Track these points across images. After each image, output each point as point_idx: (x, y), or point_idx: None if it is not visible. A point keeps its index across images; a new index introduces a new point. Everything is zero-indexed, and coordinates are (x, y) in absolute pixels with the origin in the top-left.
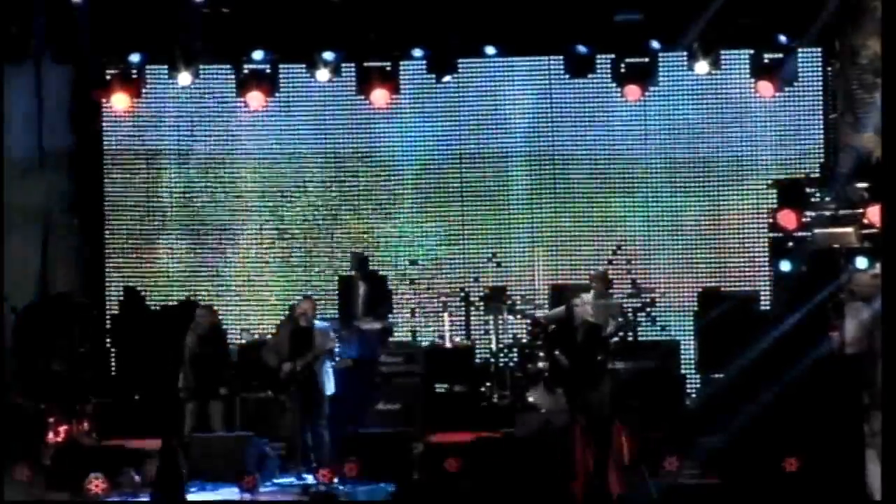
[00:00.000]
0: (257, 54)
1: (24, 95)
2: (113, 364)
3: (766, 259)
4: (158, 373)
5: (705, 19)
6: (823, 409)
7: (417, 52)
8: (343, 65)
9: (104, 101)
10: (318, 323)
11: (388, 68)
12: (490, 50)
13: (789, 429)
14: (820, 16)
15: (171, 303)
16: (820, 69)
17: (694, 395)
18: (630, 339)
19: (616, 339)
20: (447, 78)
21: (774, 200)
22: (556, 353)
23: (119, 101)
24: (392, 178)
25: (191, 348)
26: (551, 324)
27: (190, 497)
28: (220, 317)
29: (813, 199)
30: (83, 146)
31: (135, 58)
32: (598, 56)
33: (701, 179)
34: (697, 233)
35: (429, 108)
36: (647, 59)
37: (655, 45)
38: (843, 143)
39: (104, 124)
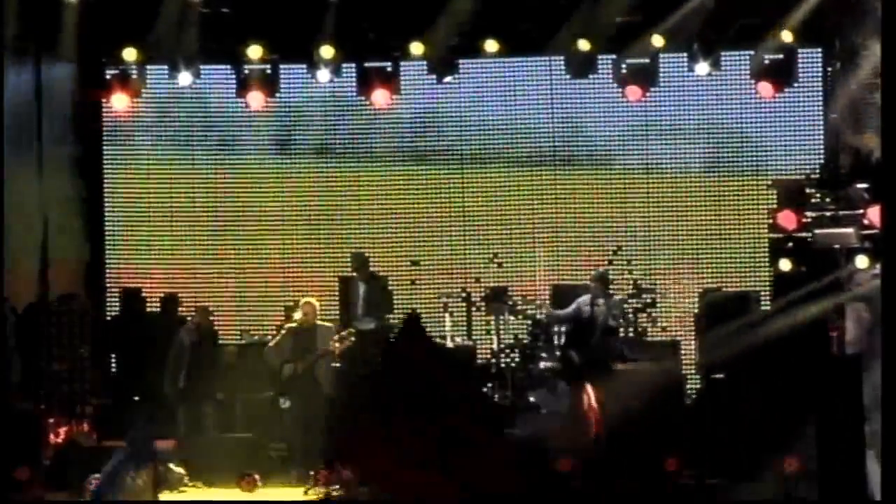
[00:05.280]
0: (257, 54)
1: (24, 95)
2: (113, 364)
3: (766, 259)
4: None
5: (706, 20)
6: (823, 410)
7: (418, 53)
8: (343, 65)
9: (104, 101)
10: (319, 324)
11: (389, 68)
12: (491, 47)
13: (789, 429)
14: (820, 16)
15: (168, 303)
16: (820, 69)
17: (694, 395)
18: (630, 338)
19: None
20: (448, 78)
21: (774, 200)
22: (571, 351)
23: (119, 101)
24: (393, 178)
25: (184, 349)
26: (558, 322)
27: (190, 497)
28: (220, 317)
29: (813, 200)
30: (83, 146)
31: (135, 58)
32: (600, 56)
33: (701, 179)
34: (698, 233)
35: (429, 108)
36: (647, 60)
37: (656, 45)
38: (843, 143)
39: (104, 124)
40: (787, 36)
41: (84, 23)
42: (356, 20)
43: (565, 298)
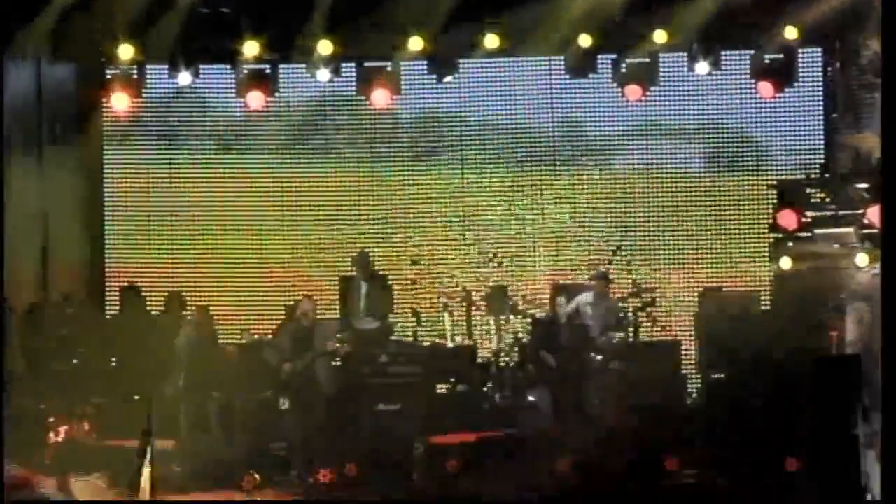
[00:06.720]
0: (254, 51)
1: (24, 95)
2: (113, 364)
3: (766, 259)
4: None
5: (706, 19)
6: (823, 410)
7: (417, 49)
8: (343, 64)
9: (104, 101)
10: (318, 323)
11: (389, 68)
12: (492, 43)
13: (789, 429)
14: (820, 16)
15: (172, 302)
16: (820, 69)
17: (694, 395)
18: (631, 338)
19: (617, 339)
20: (448, 78)
21: (774, 200)
22: (542, 352)
23: (119, 101)
24: (393, 178)
25: (185, 349)
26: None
27: (190, 497)
28: (221, 317)
29: (813, 199)
30: (84, 146)
31: (135, 57)
32: (599, 56)
33: (701, 179)
34: (698, 232)
35: (429, 108)
36: (647, 60)
37: (657, 43)
38: (843, 143)
39: (104, 124)
40: (790, 33)
41: (83, 22)
42: (356, 19)
43: (565, 298)
